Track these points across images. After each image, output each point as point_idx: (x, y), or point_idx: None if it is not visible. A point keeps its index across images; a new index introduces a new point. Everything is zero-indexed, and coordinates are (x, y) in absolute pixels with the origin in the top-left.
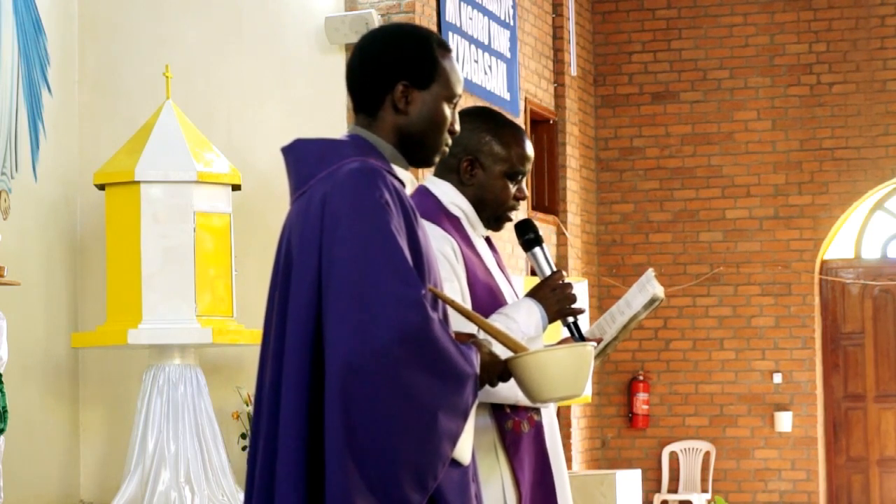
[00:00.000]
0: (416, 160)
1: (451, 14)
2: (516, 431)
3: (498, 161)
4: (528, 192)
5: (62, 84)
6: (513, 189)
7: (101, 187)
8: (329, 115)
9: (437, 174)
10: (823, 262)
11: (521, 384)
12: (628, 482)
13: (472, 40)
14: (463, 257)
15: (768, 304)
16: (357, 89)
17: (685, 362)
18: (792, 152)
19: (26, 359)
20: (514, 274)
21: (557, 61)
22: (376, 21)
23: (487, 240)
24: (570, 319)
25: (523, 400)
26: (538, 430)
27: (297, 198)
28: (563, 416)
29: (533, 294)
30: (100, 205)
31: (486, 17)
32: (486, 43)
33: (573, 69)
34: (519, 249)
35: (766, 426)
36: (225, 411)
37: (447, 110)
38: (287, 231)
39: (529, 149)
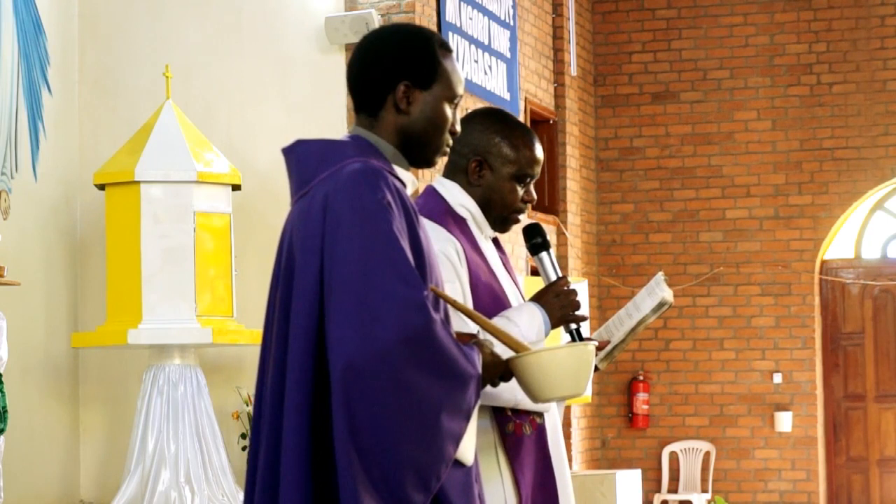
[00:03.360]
0: (418, 160)
1: (451, 14)
2: (518, 434)
3: (507, 163)
4: (535, 195)
5: (62, 84)
6: (521, 192)
7: (101, 187)
8: (329, 115)
9: (446, 175)
10: (823, 262)
11: (523, 384)
12: (628, 482)
13: (472, 40)
14: (466, 259)
15: (768, 304)
16: (358, 89)
17: (685, 362)
18: (792, 152)
19: (26, 359)
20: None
21: (557, 61)
22: (376, 21)
23: (495, 241)
24: (573, 326)
25: (523, 402)
26: (541, 432)
27: (298, 198)
28: (564, 416)
29: (536, 299)
30: (100, 205)
31: (486, 17)
32: (486, 43)
33: (573, 69)
34: (520, 250)
35: (766, 426)
36: (225, 411)
37: (448, 110)
38: (288, 232)
39: (539, 152)
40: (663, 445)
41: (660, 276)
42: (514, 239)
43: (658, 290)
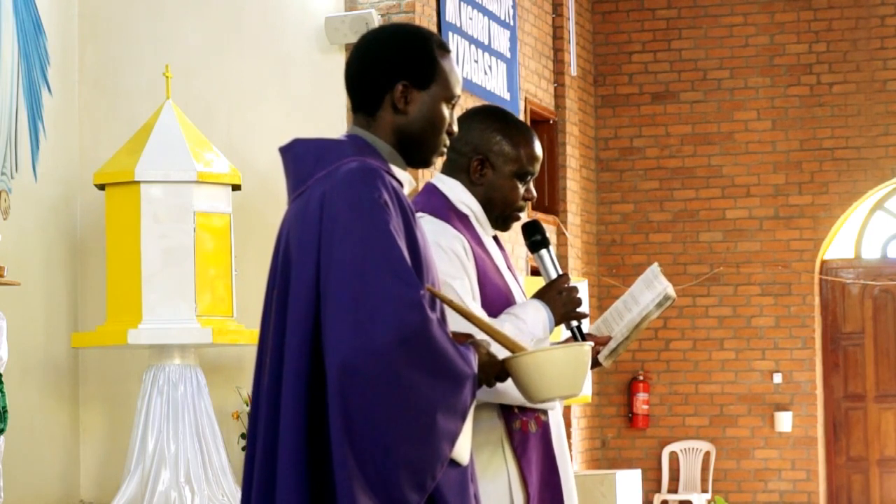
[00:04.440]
0: (415, 160)
1: (451, 14)
2: (524, 431)
3: (508, 161)
4: (535, 193)
5: (62, 84)
6: (521, 189)
7: (101, 187)
8: (329, 115)
9: (446, 172)
10: (823, 262)
11: (519, 384)
12: (628, 482)
13: (472, 40)
14: (474, 256)
15: (768, 304)
16: (356, 89)
17: (685, 362)
18: (792, 152)
19: (26, 359)
20: None
21: (557, 61)
22: (376, 21)
23: (495, 239)
24: (574, 323)
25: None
26: (545, 430)
27: (295, 198)
28: (564, 416)
29: (539, 296)
30: (100, 205)
31: (486, 17)
32: (486, 43)
33: (573, 69)
34: (520, 249)
35: (766, 426)
36: (225, 411)
37: (446, 111)
38: (285, 231)
39: (539, 149)
40: (663, 445)
41: (655, 267)
42: (513, 238)
43: (657, 283)
